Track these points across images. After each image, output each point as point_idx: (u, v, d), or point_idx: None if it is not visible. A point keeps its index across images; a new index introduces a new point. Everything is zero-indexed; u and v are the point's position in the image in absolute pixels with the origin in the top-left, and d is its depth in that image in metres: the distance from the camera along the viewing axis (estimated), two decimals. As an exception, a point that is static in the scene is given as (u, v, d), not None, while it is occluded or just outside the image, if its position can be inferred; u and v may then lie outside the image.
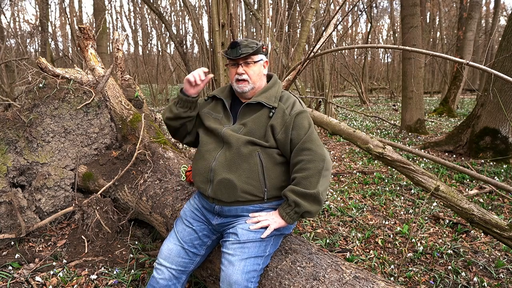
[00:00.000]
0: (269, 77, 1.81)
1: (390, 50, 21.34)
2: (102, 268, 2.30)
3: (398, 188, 4.16)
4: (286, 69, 6.35)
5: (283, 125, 1.62)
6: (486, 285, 2.24)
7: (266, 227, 1.58)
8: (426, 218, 3.33)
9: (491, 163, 5.00)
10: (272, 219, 1.58)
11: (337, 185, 4.24)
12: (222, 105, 1.79)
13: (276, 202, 1.68)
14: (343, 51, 12.28)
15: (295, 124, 1.61)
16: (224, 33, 4.73)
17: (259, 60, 1.72)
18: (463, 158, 5.39)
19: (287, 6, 7.41)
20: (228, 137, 1.63)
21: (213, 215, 1.71)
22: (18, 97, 5.18)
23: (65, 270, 2.25)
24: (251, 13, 11.94)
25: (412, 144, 6.48)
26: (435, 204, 3.61)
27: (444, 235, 2.98)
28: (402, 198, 3.83)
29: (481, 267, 2.48)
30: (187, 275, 1.73)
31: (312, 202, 1.54)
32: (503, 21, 20.86)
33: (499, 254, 2.68)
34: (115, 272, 2.24)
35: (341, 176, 4.61)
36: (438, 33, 21.42)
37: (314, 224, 3.15)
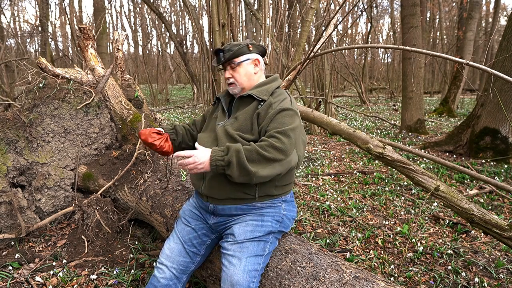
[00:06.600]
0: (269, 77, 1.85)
1: (390, 50, 21.33)
2: (102, 268, 2.30)
3: (398, 188, 4.16)
4: (286, 69, 6.35)
5: (265, 116, 1.59)
6: (486, 285, 2.24)
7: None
8: (426, 218, 3.33)
9: (491, 163, 4.99)
10: (198, 158, 1.48)
11: (337, 185, 4.24)
12: (220, 102, 1.85)
13: (268, 201, 1.66)
14: (343, 51, 12.28)
15: (276, 119, 1.57)
16: (224, 33, 4.73)
17: (245, 60, 1.73)
18: (463, 158, 5.39)
19: (287, 6, 7.41)
20: (219, 135, 1.66)
21: (209, 215, 1.72)
22: (18, 97, 5.18)
23: (65, 270, 2.25)
24: (251, 13, 11.94)
25: (412, 144, 6.48)
26: (435, 204, 3.61)
27: (444, 235, 2.97)
28: (402, 198, 3.83)
29: (481, 267, 2.48)
30: (188, 275, 1.73)
31: (243, 176, 1.46)
32: (503, 21, 20.88)
33: (499, 254, 2.67)
34: (115, 272, 2.23)
35: (341, 176, 4.61)
36: (438, 33, 21.42)
37: (314, 224, 3.15)
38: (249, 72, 1.74)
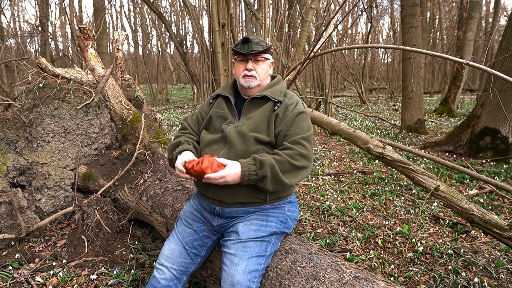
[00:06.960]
0: (272, 78, 1.85)
1: (390, 50, 21.34)
2: (102, 268, 2.30)
3: (398, 188, 4.16)
4: (286, 69, 6.35)
5: (283, 118, 1.63)
6: (486, 285, 2.24)
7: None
8: (426, 218, 3.33)
9: (491, 163, 4.99)
10: (230, 177, 1.48)
11: (337, 185, 4.24)
12: (227, 101, 1.79)
13: (277, 203, 1.68)
14: (343, 51, 12.28)
15: (295, 123, 1.62)
16: (224, 33, 4.73)
17: (268, 59, 1.77)
18: (463, 158, 5.39)
19: (287, 6, 7.41)
20: (231, 137, 1.63)
21: (213, 216, 1.70)
22: (18, 97, 5.18)
23: (65, 270, 2.25)
24: (251, 13, 11.94)
25: (412, 144, 6.48)
26: (435, 204, 3.61)
27: (444, 235, 2.97)
28: (402, 198, 3.83)
29: (481, 267, 2.48)
30: (188, 276, 1.73)
31: (276, 187, 1.54)
32: (503, 21, 20.85)
33: (499, 254, 2.67)
34: (115, 272, 2.23)
35: (341, 176, 4.61)
36: (438, 33, 21.42)
37: (314, 224, 3.15)
38: (267, 71, 1.78)
